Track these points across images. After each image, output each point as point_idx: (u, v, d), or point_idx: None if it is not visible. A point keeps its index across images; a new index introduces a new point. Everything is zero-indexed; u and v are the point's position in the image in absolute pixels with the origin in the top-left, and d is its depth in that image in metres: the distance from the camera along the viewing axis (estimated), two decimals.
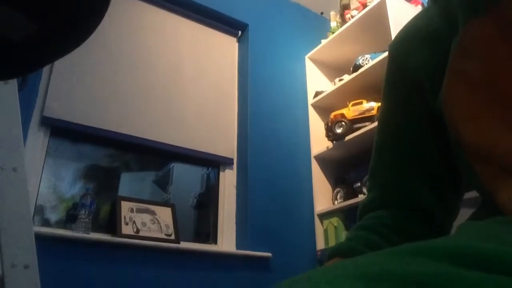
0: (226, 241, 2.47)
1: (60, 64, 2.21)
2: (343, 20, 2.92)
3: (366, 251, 0.61)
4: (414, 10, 2.53)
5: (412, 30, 0.68)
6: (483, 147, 0.50)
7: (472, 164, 0.52)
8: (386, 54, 2.39)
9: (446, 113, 0.55)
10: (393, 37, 2.58)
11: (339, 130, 2.58)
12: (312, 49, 3.08)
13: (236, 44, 3.06)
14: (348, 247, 0.64)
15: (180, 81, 2.63)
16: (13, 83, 1.04)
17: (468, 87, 0.52)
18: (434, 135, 0.64)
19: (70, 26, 0.69)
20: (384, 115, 0.72)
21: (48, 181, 2.17)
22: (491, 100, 0.50)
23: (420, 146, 0.66)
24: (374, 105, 2.52)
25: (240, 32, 3.07)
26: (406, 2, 2.59)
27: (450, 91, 0.54)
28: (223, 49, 2.96)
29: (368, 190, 0.72)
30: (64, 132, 2.23)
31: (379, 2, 2.52)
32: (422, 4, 2.62)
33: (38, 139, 2.10)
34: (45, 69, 2.21)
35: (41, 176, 2.08)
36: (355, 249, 0.62)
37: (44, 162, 2.11)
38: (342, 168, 2.83)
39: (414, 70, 0.64)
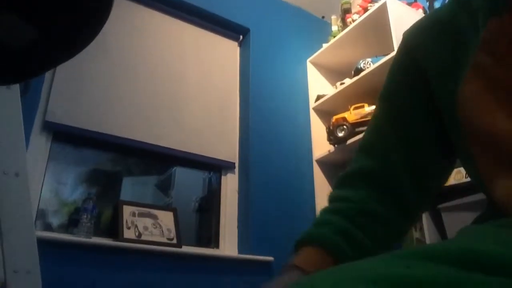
0: (228, 245, 2.47)
1: (62, 69, 2.22)
2: (344, 24, 2.93)
3: (335, 238, 0.64)
4: (415, 14, 2.53)
5: (431, 22, 0.69)
6: (496, 138, 0.51)
7: (474, 152, 0.54)
8: (387, 58, 2.40)
9: (461, 105, 0.56)
10: (394, 40, 2.55)
11: (340, 134, 2.58)
12: (314, 53, 3.09)
13: (238, 49, 3.07)
14: (319, 234, 0.66)
15: (182, 85, 2.63)
16: (15, 88, 1.04)
17: (486, 82, 0.53)
18: (431, 122, 0.67)
19: (71, 31, 0.69)
20: (386, 94, 0.75)
21: (50, 185, 2.17)
22: (510, 96, 0.51)
23: (415, 129, 0.69)
24: None
25: (241, 37, 3.08)
26: (407, 6, 2.60)
27: (469, 85, 0.55)
28: (225, 53, 2.96)
29: (354, 162, 0.74)
30: (66, 137, 2.23)
31: (380, 6, 2.52)
32: (423, 8, 2.63)
33: (40, 144, 2.11)
34: (48, 74, 2.21)
35: (43, 181, 2.08)
36: (325, 236, 0.64)
37: (46, 167, 2.12)
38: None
39: (426, 59, 0.66)
